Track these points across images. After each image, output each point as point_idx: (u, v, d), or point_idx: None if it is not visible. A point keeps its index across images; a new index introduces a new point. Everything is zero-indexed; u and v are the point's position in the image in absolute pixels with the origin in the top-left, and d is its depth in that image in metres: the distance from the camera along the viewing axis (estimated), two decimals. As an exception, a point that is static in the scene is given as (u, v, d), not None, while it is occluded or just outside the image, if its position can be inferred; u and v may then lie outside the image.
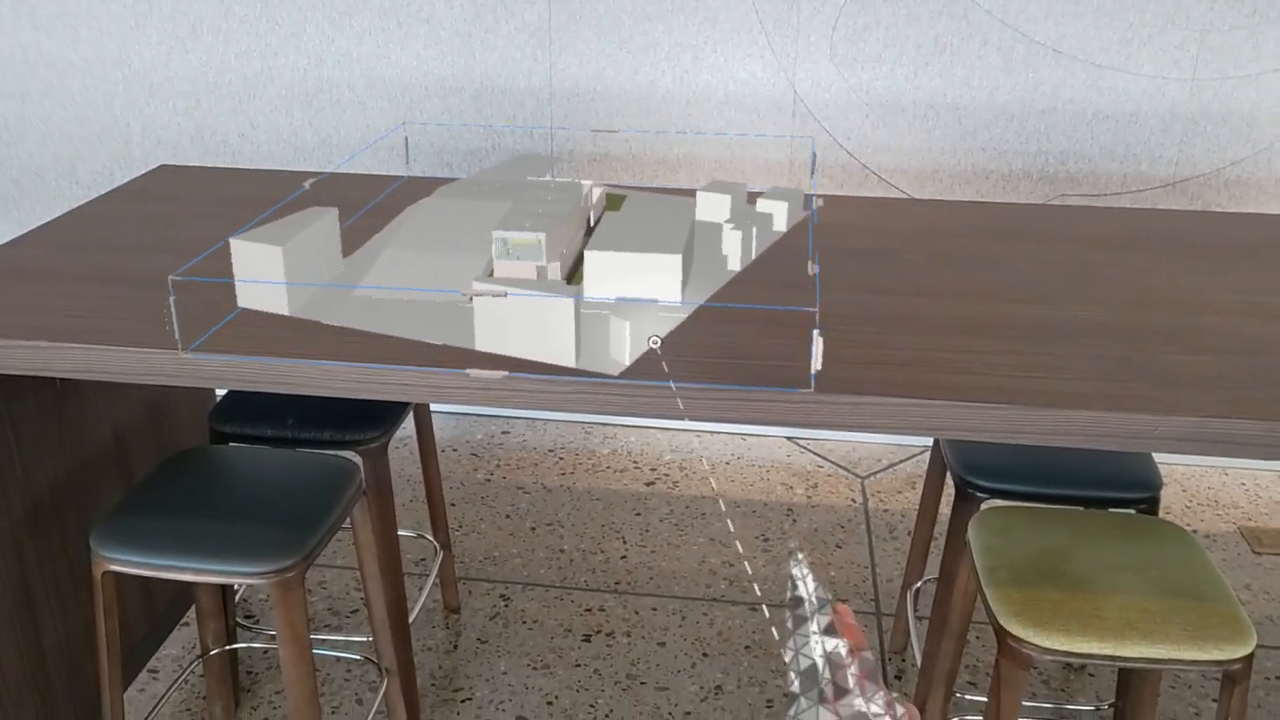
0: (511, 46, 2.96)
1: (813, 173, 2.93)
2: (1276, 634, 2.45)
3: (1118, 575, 1.66)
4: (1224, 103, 2.81)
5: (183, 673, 2.30)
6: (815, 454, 3.20)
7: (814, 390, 1.47)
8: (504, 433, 3.30)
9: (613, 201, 2.01)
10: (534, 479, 3.05)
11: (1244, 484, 3.05)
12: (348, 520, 1.91)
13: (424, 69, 3.02)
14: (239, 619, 2.45)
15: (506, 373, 1.50)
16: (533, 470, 3.10)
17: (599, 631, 2.44)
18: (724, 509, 2.88)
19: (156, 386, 2.28)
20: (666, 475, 3.08)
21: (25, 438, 1.91)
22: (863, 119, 2.92)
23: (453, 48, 2.98)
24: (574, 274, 1.78)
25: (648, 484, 3.03)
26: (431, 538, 2.45)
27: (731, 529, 2.83)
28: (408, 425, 3.28)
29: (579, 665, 2.34)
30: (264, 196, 2.21)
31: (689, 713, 2.20)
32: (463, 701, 2.24)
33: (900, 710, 0.54)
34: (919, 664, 2.10)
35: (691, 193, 2.15)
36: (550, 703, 2.23)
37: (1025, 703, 2.23)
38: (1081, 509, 1.89)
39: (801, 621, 0.57)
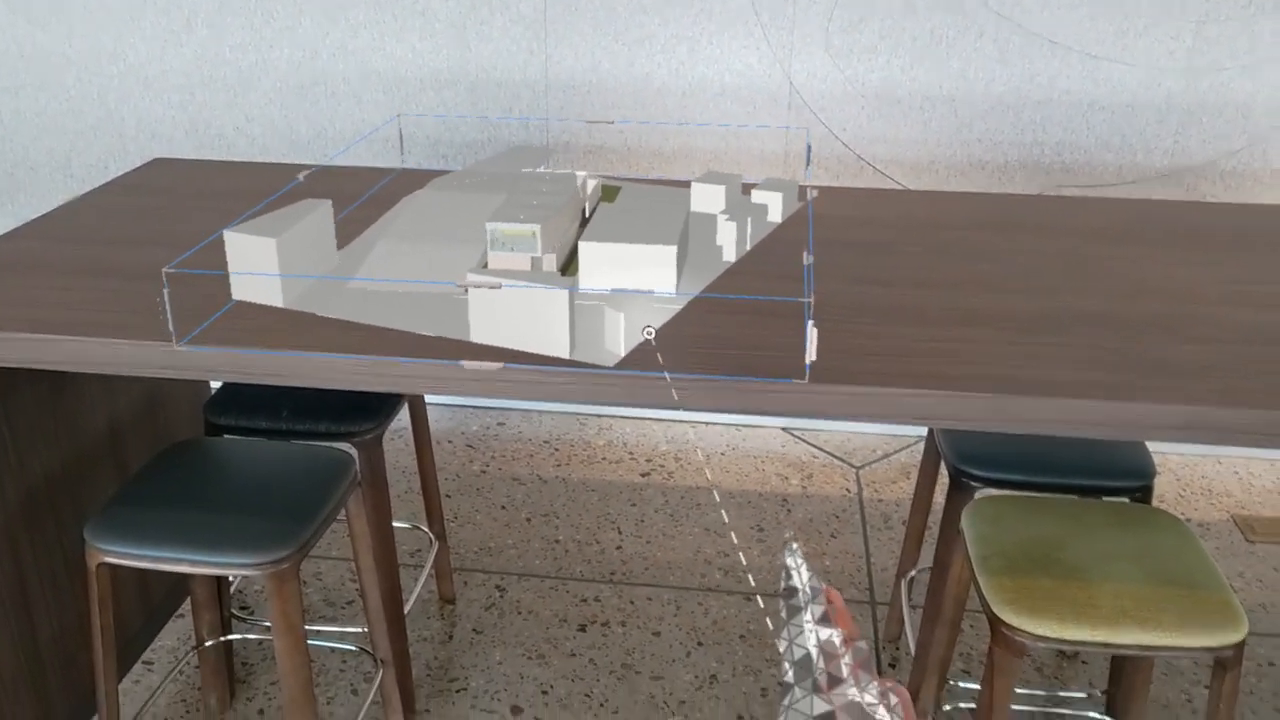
0: (507, 39, 2.95)
1: (808, 164, 2.93)
2: (1269, 621, 2.46)
3: (1111, 563, 1.66)
4: (1219, 94, 2.81)
5: (178, 664, 2.31)
6: (810, 444, 3.20)
7: (808, 380, 1.48)
8: (499, 424, 3.30)
9: (608, 193, 2.01)
10: (529, 470, 3.06)
11: (1237, 473, 3.06)
12: (343, 512, 1.91)
13: (419, 61, 3.01)
14: (234, 610, 2.45)
15: (501, 364, 1.50)
16: (528, 461, 3.10)
17: (594, 621, 2.45)
18: (718, 499, 2.89)
19: (151, 379, 2.28)
20: (662, 466, 3.08)
21: (20, 430, 1.91)
22: (858, 110, 2.92)
23: (448, 40, 2.98)
24: (569, 265, 1.78)
25: (643, 475, 3.04)
26: (426, 529, 2.45)
27: (726, 518, 2.83)
28: (403, 417, 3.28)
29: (574, 655, 2.35)
30: (259, 189, 2.21)
31: (684, 701, 2.21)
32: (458, 692, 2.25)
33: (894, 699, 0.54)
34: (913, 652, 2.11)
35: (687, 184, 2.15)
36: (545, 692, 2.24)
37: (1019, 690, 2.24)
38: (1075, 498, 1.89)
39: (796, 611, 0.57)
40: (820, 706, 0.52)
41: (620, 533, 2.77)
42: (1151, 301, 1.73)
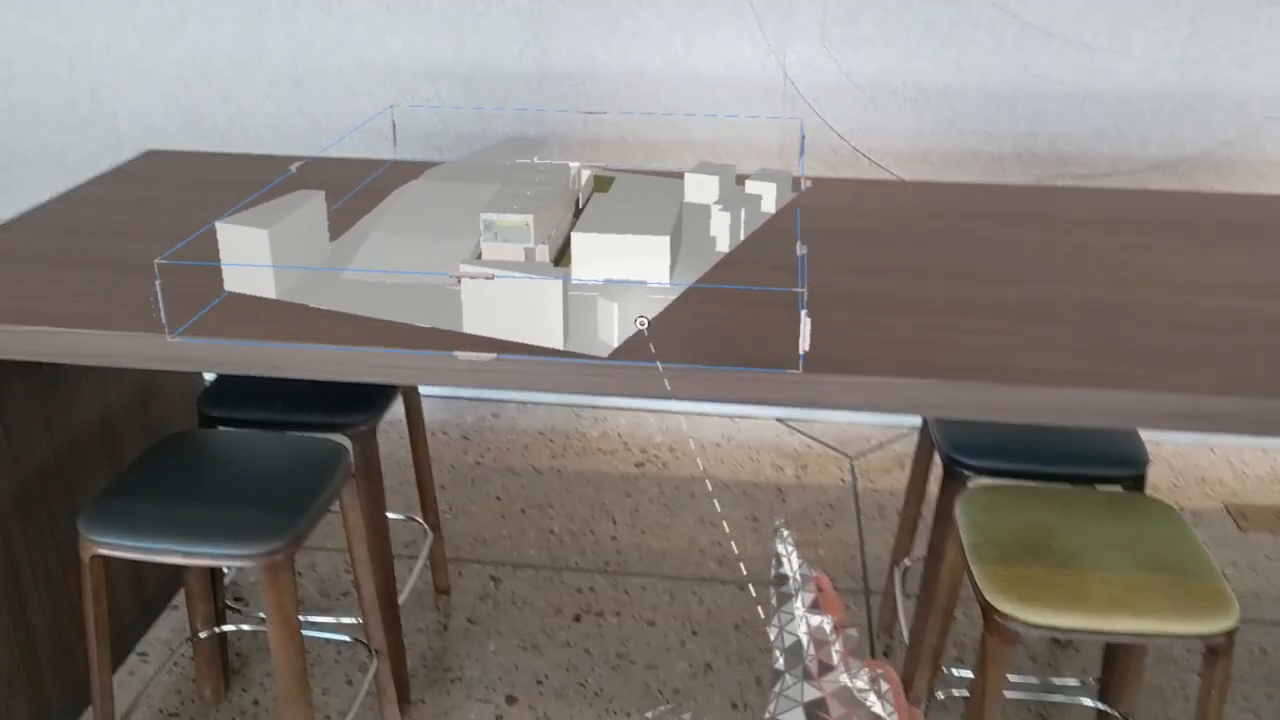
0: (501, 30, 2.95)
1: (801, 154, 2.93)
2: (1261, 608, 2.47)
3: (1103, 551, 1.67)
4: (1214, 85, 2.81)
5: (172, 655, 2.31)
6: (805, 435, 3.21)
7: (801, 370, 1.48)
8: (494, 416, 3.31)
9: (601, 184, 2.01)
10: (524, 461, 3.06)
11: (1231, 461, 3.06)
12: (337, 503, 1.91)
13: (413, 53, 3.01)
14: (228, 602, 2.45)
15: (494, 355, 1.50)
16: (523, 453, 3.11)
17: (589, 611, 2.45)
18: (710, 488, 2.89)
19: (145, 371, 2.28)
20: (656, 457, 3.09)
21: (13, 422, 1.91)
22: (853, 102, 2.92)
23: (442, 32, 2.97)
24: (562, 256, 1.78)
25: (638, 465, 3.04)
26: (421, 520, 2.46)
27: (718, 506, 2.84)
28: (397, 409, 3.28)
29: (569, 645, 2.35)
30: (252, 181, 2.21)
31: (678, 690, 2.22)
32: (452, 681, 2.25)
33: (884, 686, 0.55)
34: (907, 641, 2.12)
35: (680, 175, 2.15)
36: (540, 682, 2.25)
37: (1013, 678, 2.25)
38: (1068, 486, 1.90)
39: (786, 599, 0.58)
40: (811, 693, 0.52)
41: (615, 523, 2.78)
42: (1145, 291, 1.73)
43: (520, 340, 1.53)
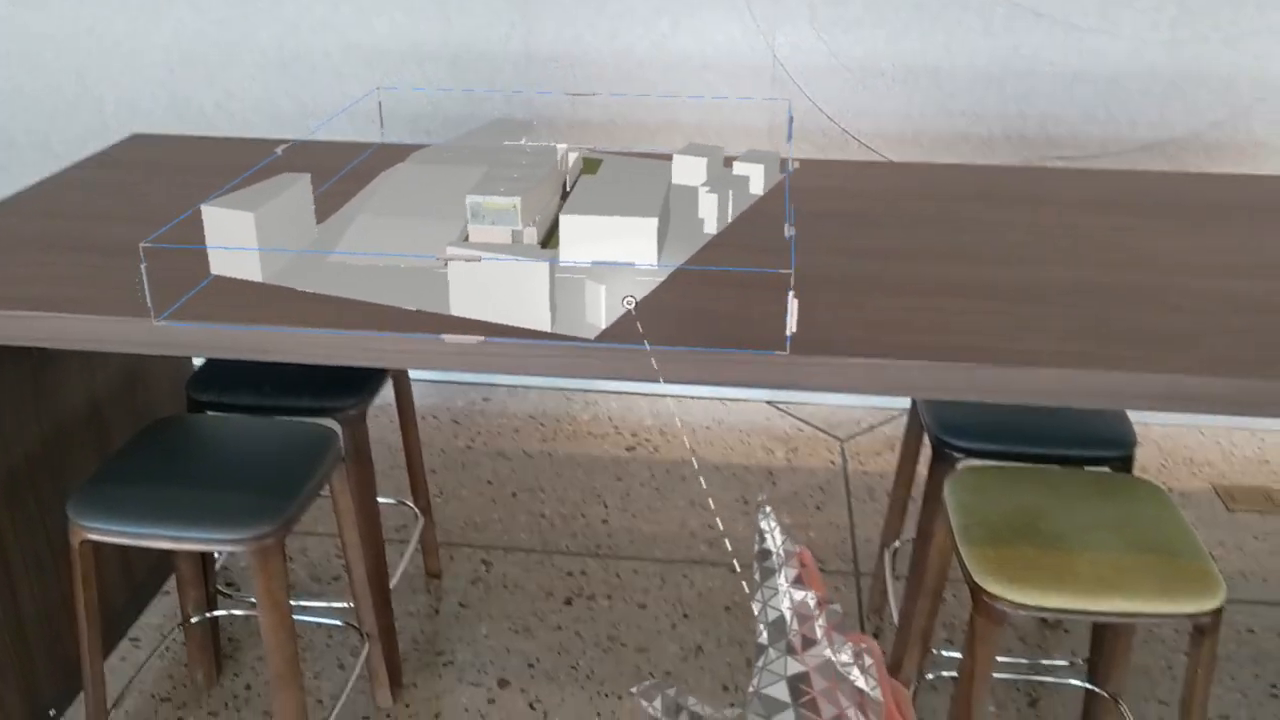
0: (488, 12, 2.93)
1: (789, 136, 2.92)
2: (1248, 588, 2.48)
3: (1091, 532, 1.67)
4: (1203, 65, 2.81)
5: (164, 641, 2.31)
6: (795, 418, 3.21)
7: (789, 352, 1.48)
8: (484, 400, 3.30)
9: (589, 165, 2.01)
10: (515, 445, 3.06)
11: (1219, 443, 3.08)
12: (328, 488, 1.91)
13: (400, 35, 2.99)
14: (220, 587, 2.45)
15: (482, 338, 1.50)
16: (514, 437, 3.11)
17: (580, 595, 2.46)
18: (697, 466, 2.89)
19: (133, 355, 2.27)
20: (647, 440, 3.09)
21: (1, 407, 1.90)
22: (842, 83, 2.91)
23: (429, 14, 2.96)
24: (550, 238, 1.78)
25: (628, 449, 3.04)
26: (412, 504, 2.46)
27: (705, 486, 2.84)
28: (387, 393, 3.27)
29: (560, 628, 2.36)
30: (238, 164, 2.20)
31: (669, 672, 2.22)
32: (444, 665, 2.25)
33: (868, 660, 0.55)
34: (896, 622, 2.12)
35: (668, 157, 2.14)
36: (531, 665, 2.25)
37: (1002, 658, 2.26)
38: (1056, 468, 1.90)
39: (769, 574, 0.58)
40: (794, 667, 0.52)
41: (606, 507, 2.78)
42: (1133, 271, 1.74)
43: (508, 323, 1.53)
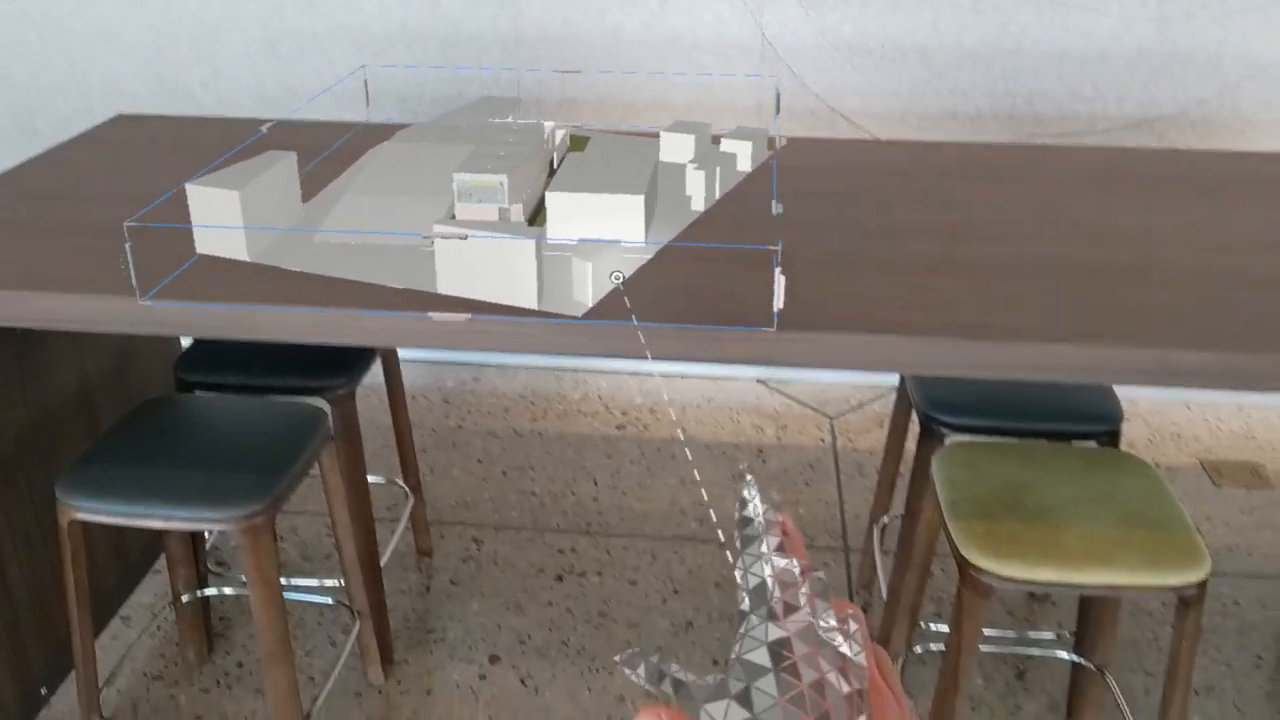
0: (475, -11, 2.92)
1: (776, 112, 2.92)
2: (1234, 562, 2.50)
3: (1078, 506, 1.69)
4: (1190, 43, 2.81)
5: (154, 619, 2.31)
6: (785, 396, 3.22)
7: (776, 328, 1.48)
8: (474, 379, 3.30)
9: (576, 143, 2.00)
10: (505, 424, 3.06)
11: (1206, 418, 3.09)
12: (318, 467, 1.91)
13: (387, 16, 2.97)
14: (211, 565, 2.45)
15: (469, 315, 1.50)
16: (504, 416, 3.11)
17: (571, 572, 2.47)
18: (687, 447, 2.90)
19: (121, 336, 2.27)
20: (637, 419, 3.09)
21: (-12, 388, 1.90)
22: (831, 62, 2.91)
23: (415, -9, 2.94)
24: (537, 216, 1.78)
25: (618, 428, 3.05)
26: (402, 483, 2.46)
27: (691, 458, 2.85)
28: (377, 373, 3.27)
29: (551, 605, 2.37)
30: (224, 144, 2.19)
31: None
32: (435, 642, 2.26)
33: (853, 626, 0.55)
34: (885, 597, 2.14)
35: (656, 134, 2.14)
36: (523, 642, 2.26)
37: (990, 631, 2.28)
38: (1044, 443, 1.91)
39: (750, 541, 0.58)
40: (775, 632, 0.52)
41: (596, 485, 2.79)
42: (1119, 247, 1.74)
43: (495, 300, 1.53)
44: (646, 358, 1.45)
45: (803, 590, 0.54)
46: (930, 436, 1.98)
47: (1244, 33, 2.78)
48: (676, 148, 1.95)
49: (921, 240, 1.76)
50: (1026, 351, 1.48)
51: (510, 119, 2.04)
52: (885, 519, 2.36)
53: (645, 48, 2.94)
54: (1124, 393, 2.03)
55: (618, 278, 1.55)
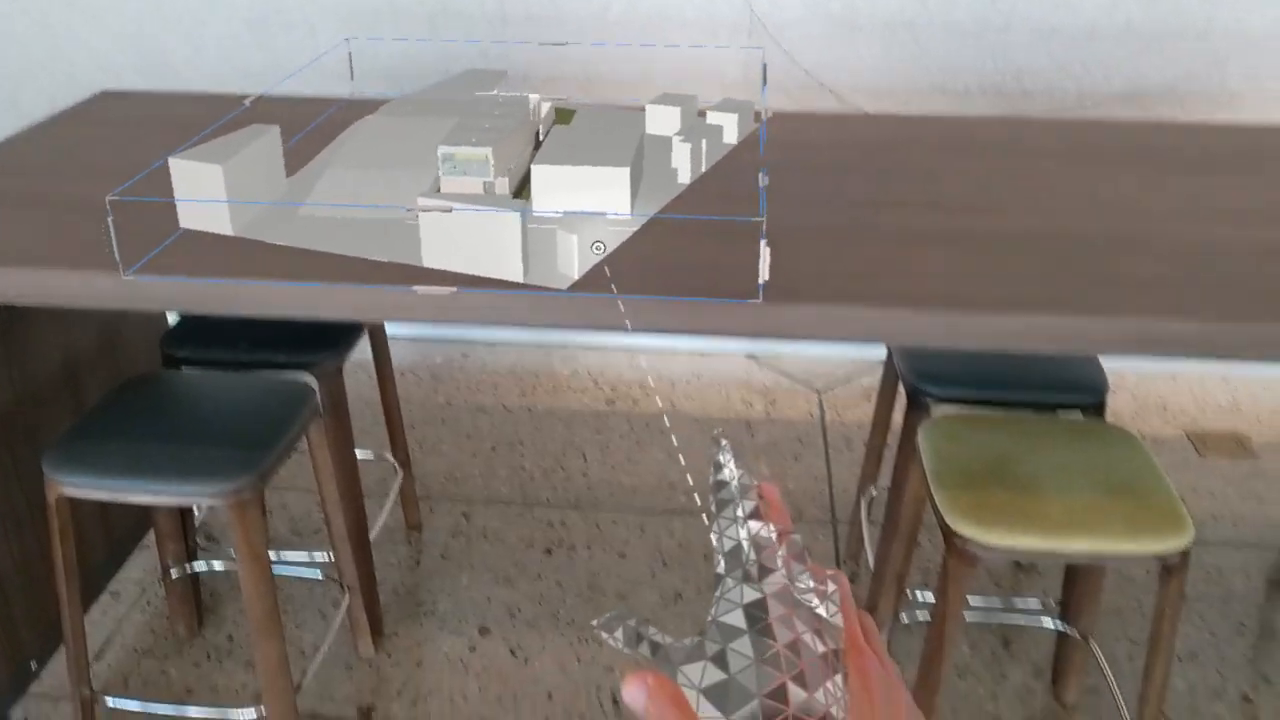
0: (461, -37, 2.90)
1: (763, 84, 2.91)
2: (1219, 530, 2.52)
3: (1062, 475, 1.70)
4: (1178, 18, 2.81)
5: (144, 594, 2.32)
6: (774, 370, 3.23)
7: (762, 300, 1.49)
8: (463, 356, 3.30)
9: (562, 116, 2.00)
10: (494, 400, 3.07)
11: (1192, 390, 3.11)
12: (306, 442, 1.91)
13: (373, -12, 2.96)
14: (200, 541, 2.46)
15: (455, 289, 1.50)
16: (493, 392, 3.11)
17: (560, 545, 2.48)
18: (668, 422, 2.91)
19: (107, 312, 2.26)
20: (627, 394, 3.10)
21: (-26, 364, 1.90)
22: (819, 37, 2.90)
23: (401, -35, 2.92)
24: (523, 189, 1.78)
25: (608, 403, 3.06)
26: (391, 458, 2.47)
27: (673, 432, 2.86)
28: (367, 351, 3.27)
29: (540, 578, 2.38)
30: (209, 120, 2.18)
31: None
32: (425, 615, 2.27)
33: (831, 587, 0.55)
34: (873, 567, 2.15)
35: (642, 108, 2.14)
36: (512, 615, 2.27)
37: (977, 600, 2.30)
38: (1030, 414, 1.92)
39: (725, 505, 0.58)
40: (751, 594, 0.53)
41: (586, 459, 2.80)
42: (1105, 219, 1.75)
43: (480, 274, 1.53)
44: (627, 328, 1.45)
45: (779, 553, 0.55)
46: (917, 408, 1.99)
47: (1232, 7, 2.78)
48: (662, 120, 1.95)
49: (908, 213, 1.76)
50: (1011, 322, 1.48)
51: (495, 92, 2.03)
52: (873, 491, 2.37)
53: (633, 25, 2.92)
54: (1110, 365, 2.04)
55: (599, 248, 1.56)
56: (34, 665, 2.08)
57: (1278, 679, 2.14)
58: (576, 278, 1.52)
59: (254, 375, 1.97)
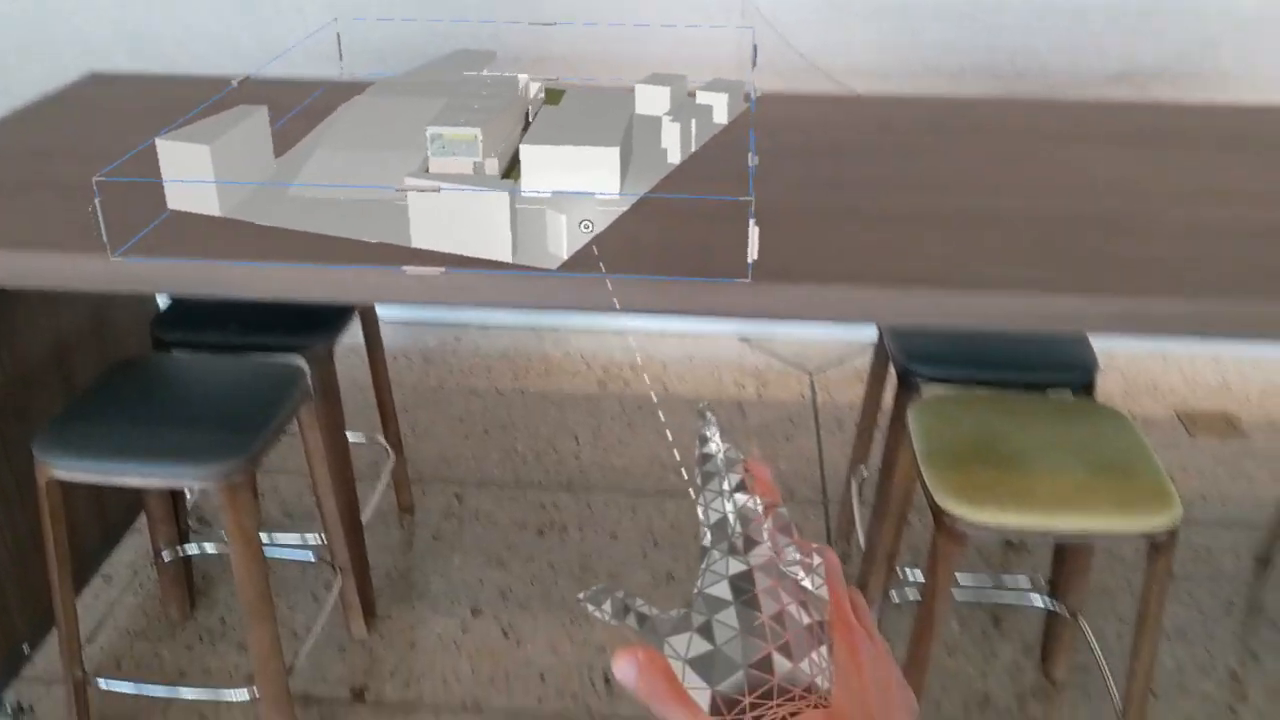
0: (451, -56, 2.88)
1: (753, 64, 2.90)
2: (1207, 509, 2.53)
3: (1051, 454, 1.70)
4: (1171, -3, 2.81)
5: (136, 577, 2.32)
6: (766, 352, 3.23)
7: (750, 280, 1.48)
8: (456, 339, 3.30)
9: (551, 96, 1.99)
10: (487, 383, 3.07)
11: (1182, 370, 3.12)
12: (297, 425, 1.91)
13: (363, -30, 2.94)
14: (192, 524, 2.46)
15: (443, 269, 1.50)
16: (485, 375, 3.11)
17: (552, 526, 2.49)
18: (654, 397, 2.91)
19: (97, 296, 2.25)
20: (619, 376, 3.10)
21: (-37, 348, 1.89)
22: (813, 18, 2.89)
23: (391, -53, 2.90)
24: (512, 169, 1.77)
25: (600, 385, 3.06)
26: (383, 441, 2.47)
27: (661, 412, 2.86)
28: (358, 336, 3.26)
29: (532, 559, 2.38)
30: (198, 102, 2.17)
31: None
32: (418, 596, 2.28)
33: (816, 560, 0.55)
34: (863, 546, 2.16)
35: (632, 88, 2.13)
36: (504, 595, 2.28)
37: (967, 578, 2.31)
38: (1019, 393, 1.93)
39: (710, 477, 0.58)
40: (736, 566, 0.53)
41: (578, 441, 2.80)
42: (1095, 199, 1.75)
43: (469, 254, 1.53)
44: (615, 307, 1.45)
45: (765, 526, 0.55)
46: (907, 388, 1.99)
47: (1224, -16, 2.77)
48: (652, 100, 1.94)
49: (898, 192, 1.76)
50: (1000, 302, 1.48)
51: (484, 72, 2.02)
52: (863, 471, 2.38)
53: (625, 6, 2.91)
54: (1101, 345, 2.04)
55: (587, 226, 1.55)
56: (26, 648, 2.09)
57: (1265, 656, 2.15)
58: (565, 258, 1.51)
59: (244, 358, 1.96)
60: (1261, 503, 2.54)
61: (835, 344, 3.28)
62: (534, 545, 2.43)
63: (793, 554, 0.54)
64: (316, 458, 2.00)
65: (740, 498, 0.56)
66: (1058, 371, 1.99)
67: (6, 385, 1.99)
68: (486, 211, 1.50)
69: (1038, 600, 2.23)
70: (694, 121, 1.88)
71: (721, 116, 1.99)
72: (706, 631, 0.50)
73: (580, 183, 1.67)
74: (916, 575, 2.24)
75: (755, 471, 0.60)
